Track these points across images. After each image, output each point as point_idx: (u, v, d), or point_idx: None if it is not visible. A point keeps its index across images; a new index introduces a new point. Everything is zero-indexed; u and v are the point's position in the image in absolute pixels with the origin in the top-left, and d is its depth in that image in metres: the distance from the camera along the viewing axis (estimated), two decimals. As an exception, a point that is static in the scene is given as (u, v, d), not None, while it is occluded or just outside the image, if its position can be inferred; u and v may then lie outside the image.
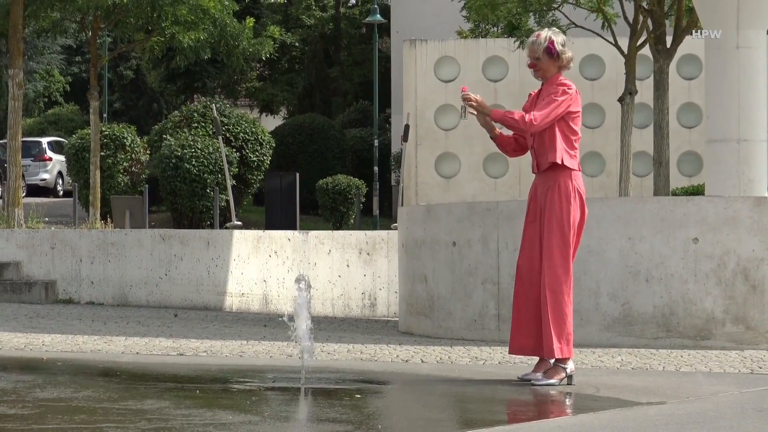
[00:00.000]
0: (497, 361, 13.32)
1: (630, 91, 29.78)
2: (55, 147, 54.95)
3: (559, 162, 11.15)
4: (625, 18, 29.98)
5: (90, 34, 36.83)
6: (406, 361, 13.41)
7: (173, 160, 39.31)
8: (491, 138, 11.60)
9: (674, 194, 26.23)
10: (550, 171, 11.24)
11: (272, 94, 66.12)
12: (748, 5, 18.10)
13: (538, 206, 11.32)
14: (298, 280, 11.08)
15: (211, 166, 38.86)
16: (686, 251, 15.15)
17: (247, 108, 66.25)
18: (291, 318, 11.01)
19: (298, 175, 33.71)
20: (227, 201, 35.24)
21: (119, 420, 9.17)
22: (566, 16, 30.74)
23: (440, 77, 37.77)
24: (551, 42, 11.10)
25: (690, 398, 10.31)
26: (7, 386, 11.15)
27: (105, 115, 51.97)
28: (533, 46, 11.16)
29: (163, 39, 35.91)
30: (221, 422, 9.11)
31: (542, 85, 11.40)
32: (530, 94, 11.57)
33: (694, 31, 26.22)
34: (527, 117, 11.14)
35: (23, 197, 33.77)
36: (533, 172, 11.48)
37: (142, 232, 26.49)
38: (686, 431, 8.44)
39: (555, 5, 30.55)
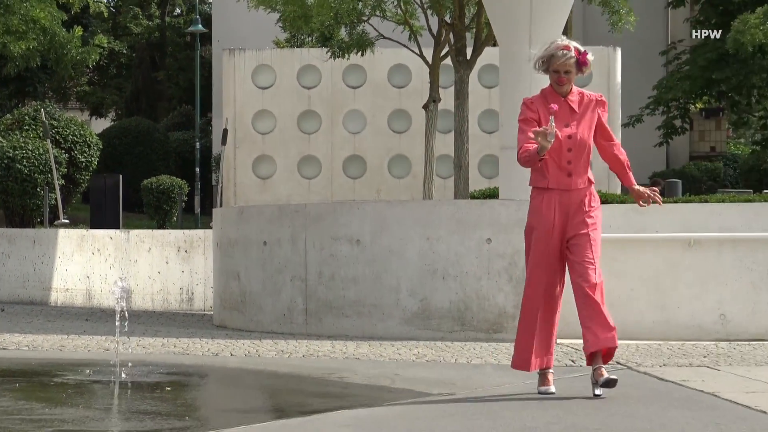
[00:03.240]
0: (302, 354, 13.30)
1: (434, 98, 29.96)
2: None
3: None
4: (430, 31, 30.14)
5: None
6: (216, 354, 13.36)
7: (5, 161, 38.79)
8: (539, 158, 9.22)
9: (473, 196, 26.37)
10: (587, 186, 9.51)
11: (101, 97, 65.68)
12: (539, 22, 18.29)
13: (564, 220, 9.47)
14: (116, 284, 11.08)
15: (41, 167, 38.37)
16: (480, 251, 15.26)
17: (77, 111, 65.56)
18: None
19: (121, 176, 33.47)
20: (56, 200, 35.03)
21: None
22: (375, 29, 30.80)
23: (258, 84, 37.69)
24: (585, 54, 9.54)
25: (478, 389, 10.37)
26: None
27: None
28: (567, 59, 9.40)
29: (-6, 49, 35.56)
30: (37, 416, 9.05)
31: (565, 94, 9.53)
32: (551, 107, 9.39)
33: (493, 44, 26.43)
34: (624, 155, 9.79)
35: None
36: (561, 188, 9.46)
37: (-32, 231, 26.16)
38: (472, 421, 8.50)
39: (364, 18, 30.59)
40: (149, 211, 40.44)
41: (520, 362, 9.64)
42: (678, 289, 15.66)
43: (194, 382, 11.61)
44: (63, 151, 40.22)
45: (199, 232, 26.07)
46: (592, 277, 9.28)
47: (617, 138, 34.07)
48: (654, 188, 9.75)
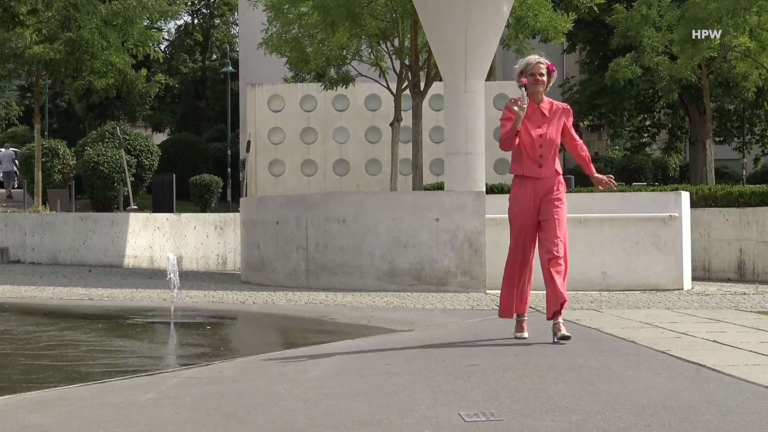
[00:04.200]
0: (304, 302, 13.23)
1: (397, 118, 29.82)
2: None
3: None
4: (394, 70, 30.00)
5: (34, 78, 36.54)
6: (243, 302, 13.32)
7: (91, 164, 38.82)
8: (515, 131, 8.61)
9: (426, 188, 26.27)
10: (555, 176, 8.85)
11: (160, 118, 65.40)
12: (472, 63, 18.23)
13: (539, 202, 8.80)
14: (168, 258, 11.08)
15: (117, 168, 38.37)
16: (431, 227, 15.22)
17: (143, 128, 65.28)
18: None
19: (174, 175, 33.33)
20: (128, 192, 34.94)
21: (46, 344, 9.03)
22: (355, 69, 30.66)
23: (271, 108, 37.43)
24: (552, 65, 8.97)
25: (431, 327, 10.33)
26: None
27: (46, 133, 50.67)
28: (539, 65, 8.78)
29: (83, 83, 35.47)
30: (115, 347, 9.01)
31: (538, 101, 8.82)
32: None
33: (439, 80, 26.34)
34: (585, 151, 9.09)
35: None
36: (534, 176, 8.82)
37: (68, 214, 26.14)
38: (428, 348, 8.46)
39: (347, 61, 30.46)
40: (195, 199, 40.34)
41: (503, 311, 9.00)
42: (572, 254, 15.58)
43: (227, 322, 11.54)
44: (133, 157, 40.28)
45: (230, 215, 25.98)
46: (556, 251, 8.61)
47: None
48: (610, 176, 9.12)
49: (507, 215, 9.00)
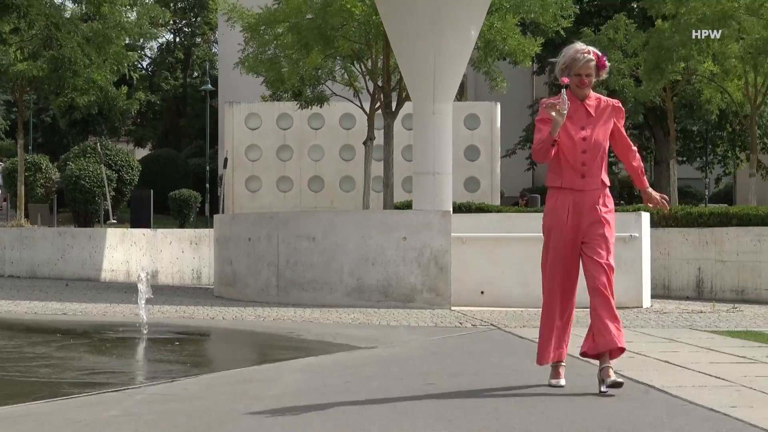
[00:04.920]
0: (272, 318, 13.21)
1: (370, 137, 29.92)
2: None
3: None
4: (368, 91, 30.12)
5: (18, 94, 36.54)
6: (213, 318, 13.29)
7: (73, 179, 38.78)
8: (553, 140, 6.85)
9: (396, 206, 26.30)
10: (601, 188, 7.08)
11: (142, 134, 65.36)
12: (440, 86, 18.27)
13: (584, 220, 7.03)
14: (139, 274, 11.08)
15: (98, 183, 38.30)
16: (398, 245, 15.23)
17: (125, 143, 65.13)
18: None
19: (152, 191, 33.23)
20: (108, 206, 34.92)
21: (17, 359, 9.01)
22: (329, 89, 30.78)
23: (248, 126, 37.53)
24: (603, 56, 7.11)
25: (394, 344, 10.32)
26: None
27: (30, 148, 50.46)
28: (589, 63, 6.97)
29: (66, 99, 35.45)
30: (84, 362, 8.97)
31: (582, 98, 7.08)
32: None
33: (410, 100, 26.45)
34: (638, 161, 7.31)
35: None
36: (575, 189, 7.01)
37: (47, 229, 26.25)
38: (387, 366, 8.47)
39: (322, 81, 30.56)
40: (173, 214, 40.28)
41: (540, 356, 7.17)
42: (534, 272, 15.65)
43: (195, 338, 11.51)
44: (113, 172, 40.18)
45: (206, 231, 25.94)
46: (603, 276, 6.84)
47: (497, 168, 33.76)
48: (664, 195, 7.32)
49: (541, 233, 7.22)
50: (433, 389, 7.14)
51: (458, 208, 22.07)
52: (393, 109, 28.57)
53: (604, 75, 7.06)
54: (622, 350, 6.91)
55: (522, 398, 6.74)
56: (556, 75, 7.12)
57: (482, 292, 15.78)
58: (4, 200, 46.36)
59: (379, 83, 28.99)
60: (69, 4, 33.72)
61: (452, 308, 14.76)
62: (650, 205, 7.30)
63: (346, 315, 13.57)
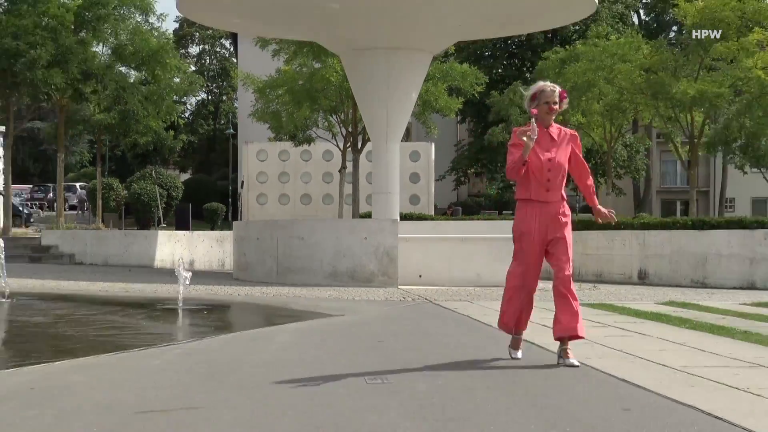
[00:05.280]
0: (272, 294, 13.17)
1: (343, 167, 29.93)
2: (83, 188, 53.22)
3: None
4: (341, 134, 30.09)
5: (97, 135, 36.12)
6: (230, 295, 13.21)
7: (136, 195, 38.45)
8: (523, 161, 6.06)
9: (361, 216, 26.26)
10: (561, 201, 6.23)
11: (185, 163, 64.90)
12: (392, 130, 18.28)
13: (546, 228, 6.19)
14: (178, 264, 10.98)
15: (153, 198, 37.99)
16: (362, 243, 15.26)
17: (173, 169, 64.64)
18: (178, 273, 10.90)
19: (190, 204, 32.97)
20: (160, 215, 34.63)
21: (92, 324, 8.91)
22: (315, 133, 30.73)
23: (259, 159, 37.33)
24: (564, 91, 6.31)
25: (357, 313, 10.31)
26: (41, 306, 10.74)
27: (106, 173, 49.93)
28: (554, 93, 6.18)
29: (131, 139, 35.06)
30: (139, 325, 8.92)
31: (547, 125, 6.24)
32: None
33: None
34: (590, 181, 6.41)
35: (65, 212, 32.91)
36: (541, 200, 6.17)
37: (116, 231, 25.97)
38: (353, 328, 8.48)
39: (310, 127, 30.49)
40: (206, 220, 40.05)
41: (503, 326, 6.31)
42: (457, 262, 15.74)
43: (218, 309, 11.45)
44: (164, 190, 39.82)
45: (228, 232, 25.82)
46: (566, 270, 6.00)
47: (432, 188, 33.15)
48: (611, 210, 6.44)
49: (512, 235, 6.34)
50: (381, 346, 7.16)
51: (404, 217, 22.07)
52: (359, 147, 28.59)
53: (564, 105, 6.23)
54: (579, 337, 6.05)
55: (442, 344, 6.77)
56: (526, 108, 6.29)
57: (420, 276, 15.83)
58: (87, 209, 45.98)
59: (349, 129, 28.99)
60: (133, 73, 33.23)
61: (399, 287, 14.81)
62: (600, 220, 6.47)
63: (324, 292, 13.56)
